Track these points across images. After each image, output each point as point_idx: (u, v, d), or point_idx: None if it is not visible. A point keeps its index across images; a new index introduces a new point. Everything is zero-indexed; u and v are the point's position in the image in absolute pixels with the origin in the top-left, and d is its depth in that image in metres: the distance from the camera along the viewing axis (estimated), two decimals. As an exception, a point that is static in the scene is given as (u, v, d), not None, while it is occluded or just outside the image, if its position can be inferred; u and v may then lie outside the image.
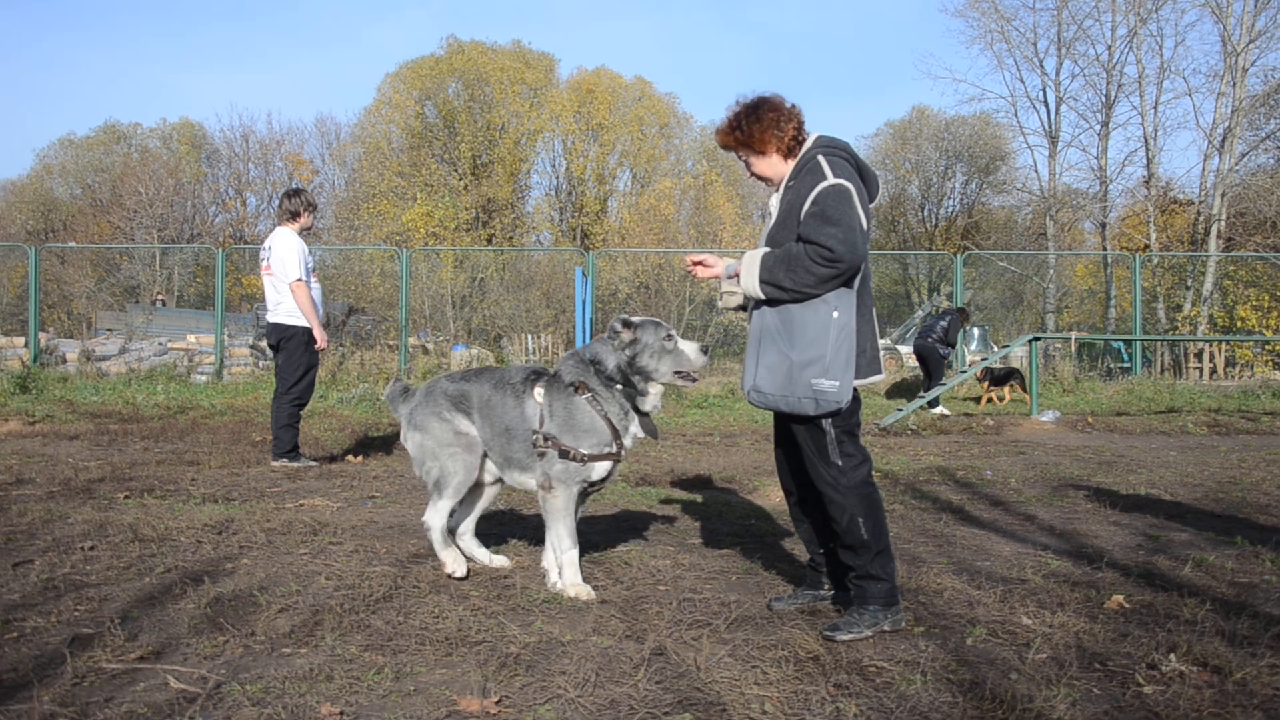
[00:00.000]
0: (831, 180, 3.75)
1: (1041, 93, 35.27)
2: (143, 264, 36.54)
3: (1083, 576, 4.61)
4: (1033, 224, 39.54)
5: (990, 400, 16.18)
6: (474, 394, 4.58)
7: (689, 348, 4.38)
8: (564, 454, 4.31)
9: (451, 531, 4.80)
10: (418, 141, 43.72)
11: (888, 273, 41.19)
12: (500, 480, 4.72)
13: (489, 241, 41.19)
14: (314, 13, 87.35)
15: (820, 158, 3.86)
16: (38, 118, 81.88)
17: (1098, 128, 32.90)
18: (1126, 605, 4.08)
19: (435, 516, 4.55)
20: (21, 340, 18.85)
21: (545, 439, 4.34)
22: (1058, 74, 34.29)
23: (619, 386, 4.38)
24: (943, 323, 15.13)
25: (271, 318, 8.29)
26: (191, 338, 19.96)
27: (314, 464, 8.25)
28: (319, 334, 8.21)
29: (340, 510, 6.24)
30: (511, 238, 43.01)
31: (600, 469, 4.37)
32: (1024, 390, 15.98)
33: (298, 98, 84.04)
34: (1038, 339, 14.36)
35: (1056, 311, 30.44)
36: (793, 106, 3.98)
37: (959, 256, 20.97)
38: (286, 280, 8.11)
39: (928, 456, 9.44)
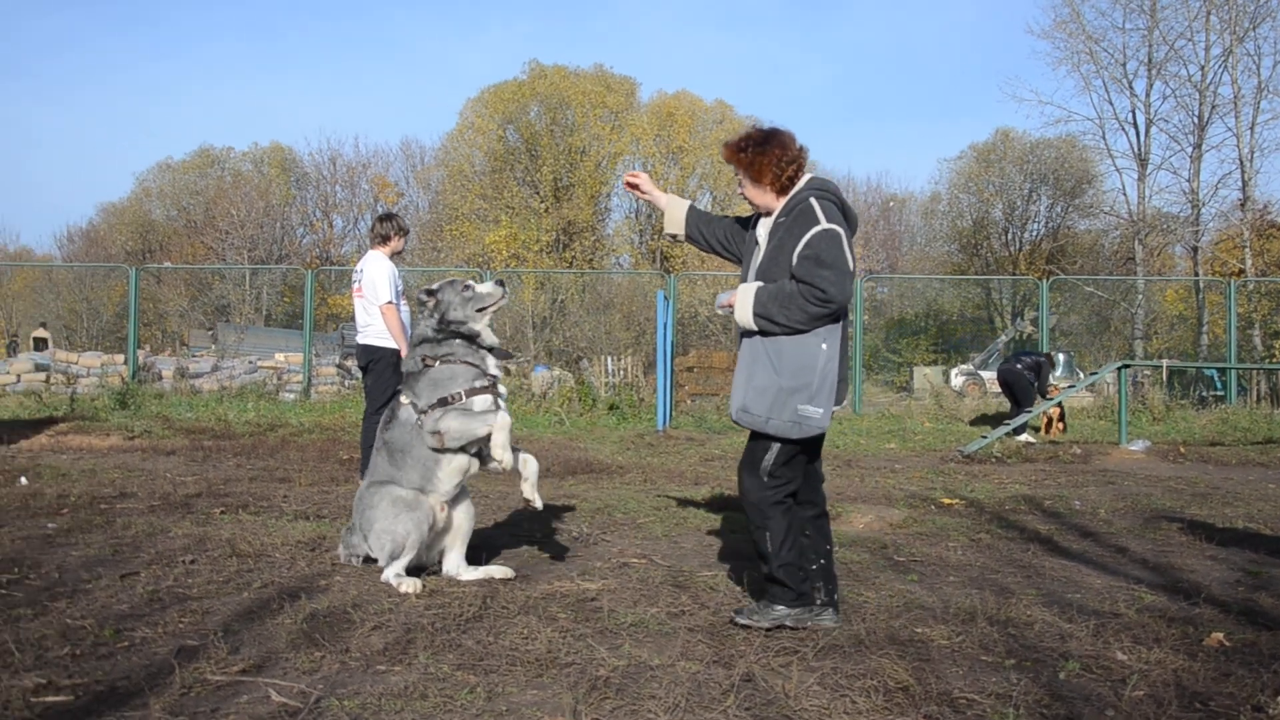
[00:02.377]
0: (825, 225, 4.06)
1: (1130, 114, 34.50)
2: (233, 284, 37.54)
3: (1179, 612, 4.50)
4: (1120, 248, 38.69)
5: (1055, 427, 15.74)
6: (379, 464, 4.96)
7: (485, 287, 5.00)
8: (444, 402, 4.77)
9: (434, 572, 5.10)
10: (500, 164, 44.30)
11: (970, 298, 40.61)
12: (465, 499, 5.09)
13: (570, 264, 41.52)
14: (400, 39, 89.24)
15: (813, 200, 4.15)
16: (138, 143, 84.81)
17: (1190, 150, 32.14)
18: (1227, 643, 3.98)
19: (392, 571, 4.80)
20: (121, 358, 19.47)
21: (422, 413, 4.81)
22: (1148, 95, 33.58)
23: (453, 338, 4.91)
24: (1029, 359, 14.79)
25: (361, 339, 8.46)
26: (280, 356, 20.45)
27: None
28: (405, 351, 8.30)
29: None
30: (592, 260, 43.32)
31: (481, 401, 4.79)
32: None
33: (384, 122, 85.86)
34: (1127, 366, 14.05)
35: (1145, 338, 29.71)
36: (800, 149, 4.25)
37: (1044, 281, 20.62)
38: (377, 302, 8.27)
39: (1013, 485, 9.29)
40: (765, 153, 4.20)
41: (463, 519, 5.08)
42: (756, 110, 59.30)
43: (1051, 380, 15.42)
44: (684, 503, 7.73)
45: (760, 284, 4.14)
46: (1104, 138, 35.68)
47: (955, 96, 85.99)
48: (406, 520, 4.80)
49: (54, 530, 5.92)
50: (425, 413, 4.81)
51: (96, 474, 8.56)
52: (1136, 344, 28.93)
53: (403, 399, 4.94)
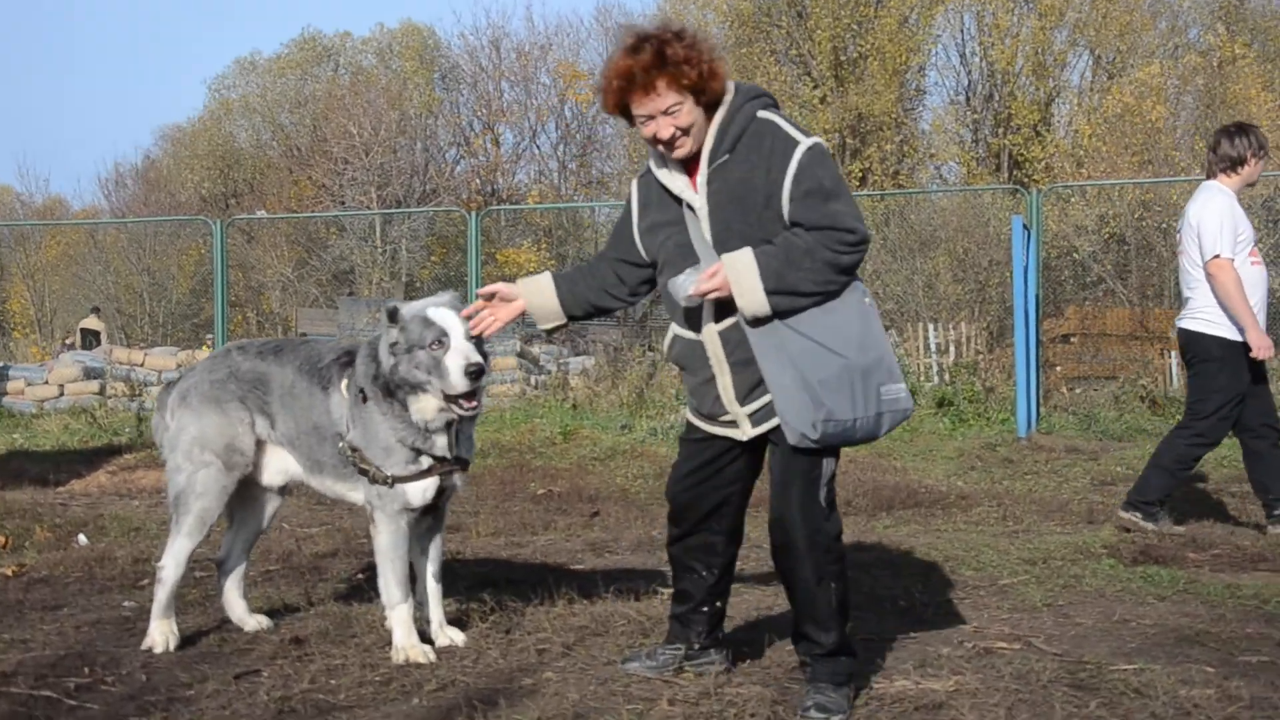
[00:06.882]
0: (808, 140, 4.49)
1: None
2: (358, 238, 39.07)
3: None
4: None
5: None
6: (275, 378, 5.64)
7: (452, 363, 5.03)
8: (363, 472, 5.33)
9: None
10: (749, 34, 44.49)
11: None
12: (284, 490, 5.94)
13: (862, 181, 41.35)
14: None
15: (770, 115, 4.60)
16: (210, 34, 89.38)
17: None
18: None
19: (173, 560, 5.60)
20: (204, 353, 20.59)
21: (352, 449, 5.37)
22: None
23: (393, 400, 5.28)
24: None
25: (1180, 320, 8.58)
26: (432, 343, 21.16)
27: (1180, 530, 8.40)
28: (1254, 338, 8.07)
29: (670, 601, 6.43)
30: (898, 173, 42.95)
31: (418, 491, 5.33)
32: None
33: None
34: None
35: None
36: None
37: None
38: (1201, 258, 8.22)
39: None
40: (698, 48, 4.52)
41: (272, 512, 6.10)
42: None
43: None
44: (1074, 552, 7.58)
45: (750, 250, 4.43)
46: None
47: None
48: (211, 478, 5.56)
49: (133, 611, 6.35)
50: (354, 449, 5.36)
51: (185, 526, 9.12)
52: None
53: (344, 388, 5.45)
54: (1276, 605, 6.17)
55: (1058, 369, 18.57)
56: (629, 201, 4.98)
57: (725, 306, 4.52)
